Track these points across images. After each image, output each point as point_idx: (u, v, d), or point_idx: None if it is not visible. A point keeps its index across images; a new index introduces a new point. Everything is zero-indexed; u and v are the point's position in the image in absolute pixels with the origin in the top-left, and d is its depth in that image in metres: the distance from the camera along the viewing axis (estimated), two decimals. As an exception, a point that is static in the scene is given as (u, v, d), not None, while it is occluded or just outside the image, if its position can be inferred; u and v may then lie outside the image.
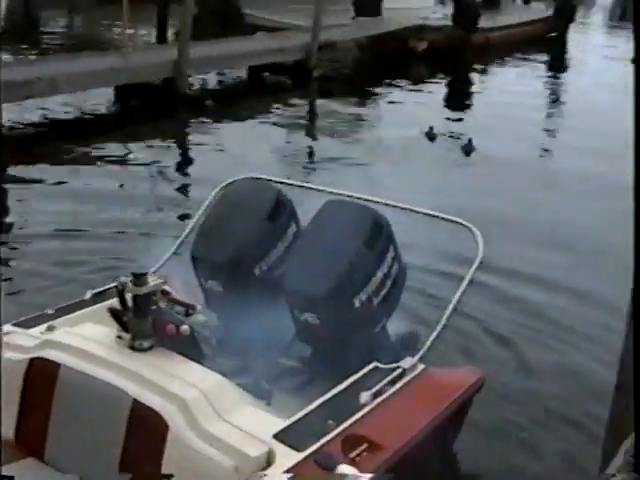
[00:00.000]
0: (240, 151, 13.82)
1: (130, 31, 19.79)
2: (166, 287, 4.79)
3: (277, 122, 16.82)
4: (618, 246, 9.50)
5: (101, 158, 13.07)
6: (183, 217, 10.41)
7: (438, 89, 21.60)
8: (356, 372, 4.94)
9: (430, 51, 24.28)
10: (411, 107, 18.93)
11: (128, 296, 4.61)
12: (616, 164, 13.32)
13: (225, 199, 5.96)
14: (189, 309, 4.88)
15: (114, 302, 4.83)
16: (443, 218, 5.75)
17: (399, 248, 5.45)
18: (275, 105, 18.06)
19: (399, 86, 20.86)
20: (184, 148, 14.47)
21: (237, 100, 18.18)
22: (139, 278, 4.55)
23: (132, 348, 4.63)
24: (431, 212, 5.85)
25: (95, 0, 28.43)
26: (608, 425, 5.22)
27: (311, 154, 14.67)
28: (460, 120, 18.29)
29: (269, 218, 5.72)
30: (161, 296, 4.69)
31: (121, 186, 11.91)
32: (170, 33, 24.50)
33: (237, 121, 16.34)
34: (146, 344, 4.62)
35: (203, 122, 15.97)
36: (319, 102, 19.16)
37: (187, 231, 6.18)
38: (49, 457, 4.64)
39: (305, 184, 6.48)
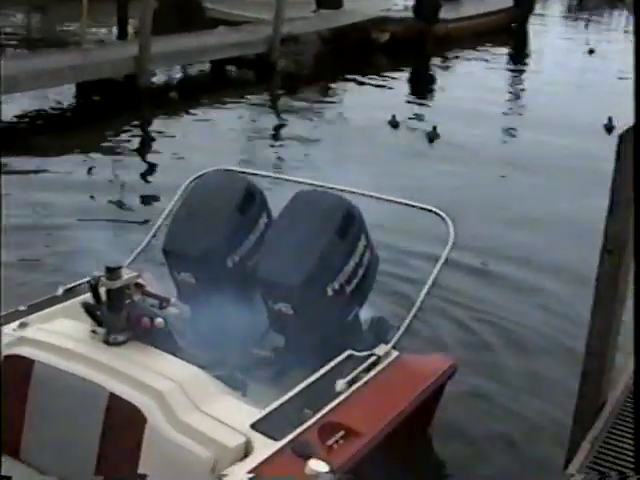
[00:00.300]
0: (204, 144, 13.81)
1: (90, 28, 19.65)
2: (140, 280, 4.78)
3: (240, 115, 16.78)
4: (575, 217, 10.40)
5: (63, 154, 12.95)
6: (149, 210, 10.46)
7: (400, 80, 21.65)
8: (330, 360, 4.97)
9: (392, 43, 24.34)
10: (374, 98, 19.01)
11: (102, 290, 4.60)
12: (571, 146, 14.61)
13: (196, 191, 5.95)
14: (163, 302, 4.90)
15: (87, 297, 4.84)
16: (414, 206, 5.82)
17: (371, 237, 5.50)
18: (238, 99, 18.00)
19: (362, 78, 20.87)
20: (147, 143, 14.38)
21: (200, 94, 18.09)
22: (113, 272, 4.55)
23: (107, 342, 4.63)
24: (402, 200, 5.89)
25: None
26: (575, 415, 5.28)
27: (275, 146, 14.65)
28: (422, 109, 18.44)
29: (240, 209, 5.73)
30: (135, 289, 4.70)
31: (87, 181, 11.81)
32: (131, 29, 24.35)
33: (200, 115, 16.27)
34: (121, 338, 4.62)
35: (166, 117, 15.89)
36: (282, 95, 19.12)
37: (158, 224, 6.18)
38: (25, 455, 4.62)
39: (275, 175, 6.52)
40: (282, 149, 14.42)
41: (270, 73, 20.42)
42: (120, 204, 11.00)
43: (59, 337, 4.76)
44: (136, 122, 15.25)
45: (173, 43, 18.83)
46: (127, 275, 4.63)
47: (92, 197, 11.12)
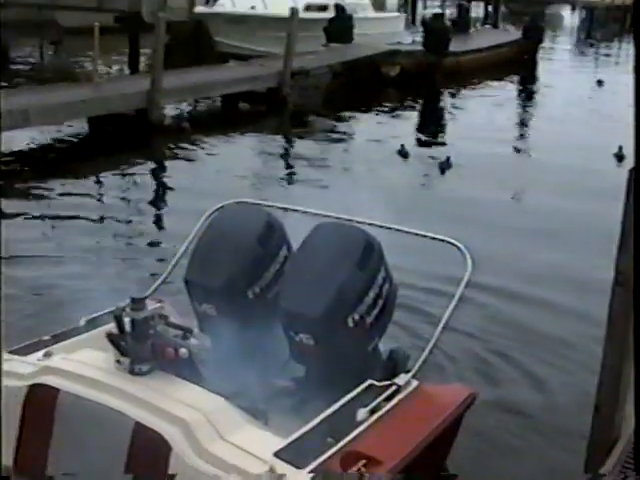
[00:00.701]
0: (216, 178, 13.87)
1: (102, 62, 19.79)
2: (163, 311, 4.85)
3: (252, 149, 16.87)
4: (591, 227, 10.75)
5: (76, 188, 13.01)
6: (161, 243, 10.55)
7: (411, 113, 21.78)
8: (351, 391, 5.00)
9: (402, 76, 24.47)
10: (385, 131, 19.04)
11: (126, 321, 4.66)
12: (584, 174, 14.82)
13: (216, 223, 6.00)
14: (186, 332, 4.91)
15: (111, 327, 4.87)
16: (432, 237, 5.85)
17: (389, 268, 5.54)
18: (250, 132, 18.12)
19: (372, 111, 20.98)
20: (159, 178, 14.39)
21: (212, 128, 18.19)
22: (138, 303, 4.63)
23: (131, 372, 4.69)
24: (420, 232, 5.92)
25: (65, 31, 28.44)
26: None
27: (288, 179, 14.68)
28: (432, 140, 18.61)
29: (260, 241, 5.77)
30: (159, 320, 4.75)
31: (100, 216, 11.84)
32: (142, 63, 24.54)
33: (212, 149, 16.34)
34: (145, 368, 4.68)
35: (178, 151, 15.92)
36: (293, 128, 19.21)
37: (178, 256, 6.22)
38: None
39: (294, 207, 6.44)
40: (294, 181, 14.46)
41: (281, 107, 20.50)
42: (132, 237, 11.02)
43: (84, 367, 4.82)
44: (147, 156, 15.30)
45: (184, 77, 18.96)
46: (151, 306, 4.72)
47: (103, 227, 11.20)
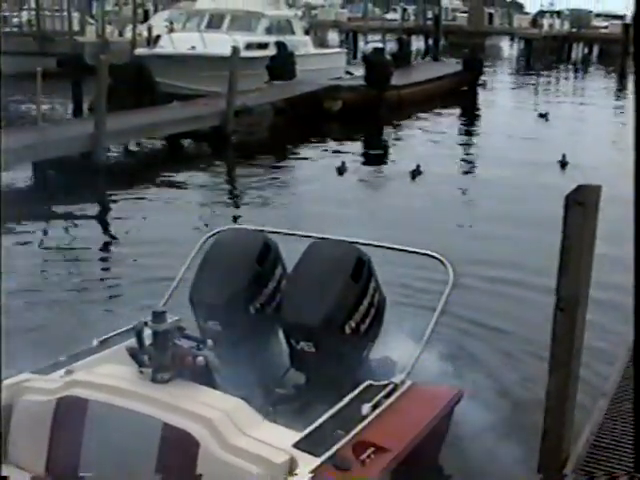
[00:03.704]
0: (161, 218, 13.88)
1: (45, 106, 19.75)
2: (181, 324, 5.16)
3: (197, 187, 16.92)
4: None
5: (19, 236, 12.92)
6: (109, 283, 10.58)
7: (354, 146, 22.01)
8: (348, 394, 5.45)
9: (345, 110, 24.70)
10: (328, 162, 19.26)
11: (146, 334, 5.02)
12: (520, 191, 16.21)
13: (216, 246, 6.50)
14: (200, 344, 5.22)
15: (130, 342, 5.27)
16: (415, 252, 6.43)
17: (379, 280, 6.11)
18: (195, 171, 18.21)
19: (316, 146, 21.19)
20: (103, 219, 14.41)
21: (156, 169, 18.21)
22: (159, 316, 4.97)
23: (154, 380, 5.02)
24: (404, 247, 6.50)
25: (7, 75, 28.29)
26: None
27: (234, 215, 14.73)
28: (376, 169, 19.36)
29: (259, 261, 6.29)
30: (177, 332, 5.08)
31: (44, 262, 11.80)
32: (86, 106, 24.50)
33: (157, 189, 16.34)
34: (166, 376, 5.02)
35: (123, 194, 15.90)
36: (238, 166, 19.32)
37: (176, 281, 6.71)
38: None
39: (285, 230, 7.00)
40: (240, 217, 14.51)
41: (225, 145, 20.64)
42: (78, 277, 10.98)
43: (108, 378, 5.14)
44: (92, 199, 15.27)
45: (128, 119, 19.01)
46: (171, 319, 5.04)
47: (44, 272, 11.17)
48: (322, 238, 6.46)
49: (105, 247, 12.80)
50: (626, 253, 10.74)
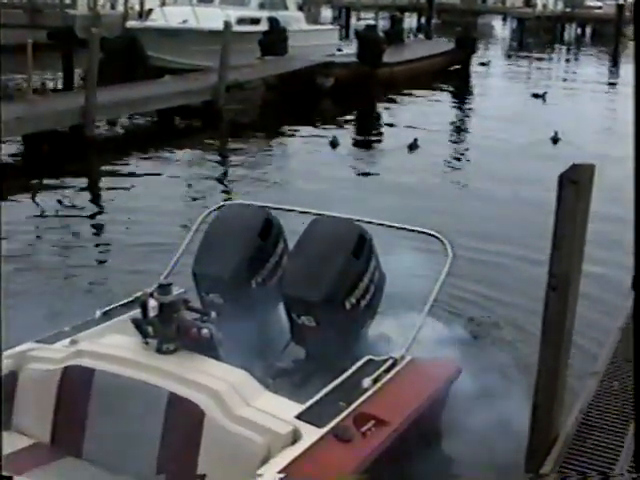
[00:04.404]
0: (151, 193, 13.83)
1: (36, 79, 19.63)
2: (186, 296, 5.31)
3: (188, 163, 16.85)
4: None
5: (11, 209, 12.86)
6: (99, 259, 10.57)
7: (346, 122, 21.95)
8: (348, 368, 5.53)
9: (337, 87, 24.63)
10: (321, 138, 19.25)
11: (152, 305, 5.05)
12: (508, 165, 16.70)
13: (219, 220, 6.61)
14: (204, 316, 5.31)
15: (135, 313, 5.38)
16: (415, 230, 6.59)
17: (379, 257, 6.22)
18: (186, 147, 18.13)
19: (307, 123, 21.08)
20: (95, 194, 14.33)
21: (147, 144, 18.12)
22: (165, 288, 5.07)
23: (159, 351, 5.10)
24: (403, 225, 6.64)
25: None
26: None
27: (224, 191, 14.70)
28: (369, 144, 19.36)
29: (261, 236, 6.42)
30: (182, 304, 5.17)
31: (36, 234, 11.76)
32: (77, 79, 24.37)
33: (148, 164, 16.27)
34: (171, 347, 5.10)
35: (114, 168, 15.82)
36: (229, 141, 19.26)
37: (179, 253, 6.75)
38: (88, 455, 5.03)
39: (286, 207, 7.10)
40: (232, 192, 14.47)
41: (216, 120, 20.56)
42: (67, 254, 10.91)
43: (114, 348, 5.23)
44: (83, 173, 15.20)
45: (119, 93, 18.90)
46: (177, 291, 5.14)
47: (34, 246, 11.09)
48: (324, 215, 6.54)
49: (95, 219, 12.74)
50: (613, 229, 10.94)
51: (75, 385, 5.10)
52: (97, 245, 11.42)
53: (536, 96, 26.34)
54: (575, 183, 4.80)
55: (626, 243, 10.01)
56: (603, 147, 17.99)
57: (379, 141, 20.38)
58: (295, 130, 20.48)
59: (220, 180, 15.76)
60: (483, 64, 34.22)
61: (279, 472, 4.40)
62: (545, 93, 26.48)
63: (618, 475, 4.95)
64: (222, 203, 7.33)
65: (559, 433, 5.41)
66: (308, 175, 15.67)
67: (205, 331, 5.06)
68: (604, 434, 5.51)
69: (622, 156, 17.04)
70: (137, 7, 34.74)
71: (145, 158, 16.76)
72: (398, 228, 6.65)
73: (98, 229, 12.28)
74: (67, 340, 5.61)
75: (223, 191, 14.69)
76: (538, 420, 5.26)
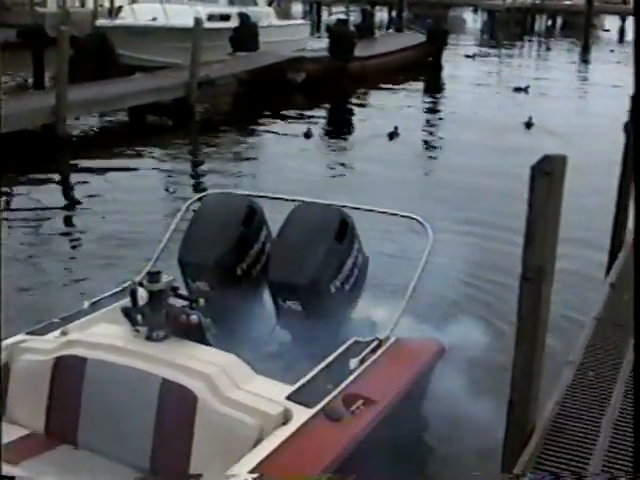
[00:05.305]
0: (123, 192, 13.76)
1: (5, 78, 19.48)
2: (174, 284, 5.34)
3: (160, 162, 16.79)
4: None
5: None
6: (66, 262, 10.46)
7: (318, 117, 21.91)
8: (334, 351, 5.65)
9: (308, 82, 24.61)
10: (294, 133, 19.27)
11: (141, 294, 5.15)
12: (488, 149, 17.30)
13: (203, 209, 6.74)
14: (192, 303, 5.40)
15: (124, 302, 5.44)
16: (395, 214, 6.76)
17: (361, 241, 6.38)
18: (158, 144, 18.07)
19: (280, 118, 21.08)
20: (67, 193, 14.27)
21: (119, 142, 18.04)
22: (154, 276, 5.15)
23: (149, 339, 5.20)
24: (384, 209, 6.80)
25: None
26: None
27: (200, 185, 14.66)
28: (338, 140, 19.34)
29: (245, 223, 6.58)
30: (170, 292, 5.24)
31: (8, 232, 11.66)
32: (47, 78, 24.21)
33: (120, 163, 16.17)
34: (161, 334, 5.20)
35: (87, 166, 15.72)
36: (201, 138, 19.20)
37: (163, 242, 6.84)
38: (83, 442, 5.10)
39: (268, 194, 7.24)
40: (208, 186, 14.41)
41: (188, 117, 20.50)
42: (38, 253, 10.85)
43: (105, 337, 5.32)
44: (55, 171, 15.12)
45: (90, 91, 18.80)
46: (166, 279, 5.20)
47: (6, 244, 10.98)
48: (305, 202, 6.65)
49: (69, 218, 12.72)
50: (585, 218, 11.02)
51: (68, 374, 5.18)
52: (72, 239, 11.48)
53: (518, 90, 26.31)
54: (548, 174, 4.79)
55: (598, 231, 10.22)
56: (574, 131, 19.10)
57: (354, 132, 20.57)
58: (268, 125, 20.49)
59: (195, 174, 15.82)
60: (469, 56, 34.41)
61: (272, 452, 4.53)
62: (528, 87, 26.47)
63: (592, 475, 4.96)
64: (205, 192, 7.47)
65: (535, 424, 5.42)
66: (283, 166, 15.70)
67: (194, 317, 5.18)
68: (581, 424, 5.53)
69: (592, 140, 17.59)
70: (107, 4, 34.57)
71: (118, 155, 16.69)
72: (380, 212, 6.81)
73: (72, 224, 12.32)
74: (58, 331, 5.67)
75: (199, 184, 14.71)
76: (514, 412, 5.26)
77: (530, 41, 51.30)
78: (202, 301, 5.43)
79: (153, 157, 16.98)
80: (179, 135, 19.28)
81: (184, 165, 16.48)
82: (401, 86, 27.13)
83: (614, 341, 6.77)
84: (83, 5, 36.35)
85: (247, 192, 7.29)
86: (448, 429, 6.44)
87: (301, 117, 21.21)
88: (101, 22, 28.09)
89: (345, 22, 30.18)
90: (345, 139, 19.67)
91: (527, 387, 5.20)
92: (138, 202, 12.81)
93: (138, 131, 19.64)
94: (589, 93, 28.17)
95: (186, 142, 18.68)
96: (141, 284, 5.19)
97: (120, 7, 30.01)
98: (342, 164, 16.69)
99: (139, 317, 5.21)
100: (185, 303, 5.41)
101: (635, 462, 4.64)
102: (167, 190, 14.18)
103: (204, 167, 16.46)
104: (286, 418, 4.84)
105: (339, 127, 20.87)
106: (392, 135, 18.45)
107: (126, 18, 27.00)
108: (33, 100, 18.62)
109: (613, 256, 9.07)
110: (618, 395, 5.86)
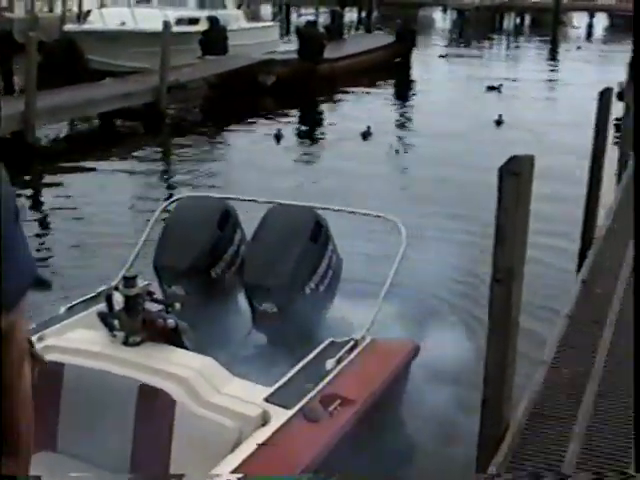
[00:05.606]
0: (95, 199, 13.71)
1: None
2: (150, 288, 5.30)
3: (132, 166, 16.71)
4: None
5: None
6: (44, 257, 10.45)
7: (289, 119, 21.90)
8: (310, 352, 5.67)
9: (279, 84, 24.61)
10: (266, 134, 19.30)
11: (117, 298, 5.19)
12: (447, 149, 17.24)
13: (178, 213, 6.77)
14: (168, 307, 5.38)
15: (100, 307, 5.46)
16: (369, 214, 6.79)
17: (335, 242, 6.43)
18: (129, 150, 17.99)
19: (250, 120, 21.08)
20: (37, 200, 14.19)
21: (90, 148, 17.98)
22: (130, 280, 5.14)
23: (126, 344, 5.20)
24: (358, 210, 6.87)
25: None
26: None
27: (172, 188, 14.62)
28: (310, 141, 19.53)
29: (219, 226, 6.61)
30: (147, 296, 5.23)
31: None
32: (16, 84, 24.08)
33: (91, 169, 16.10)
34: (138, 339, 5.21)
35: (57, 173, 15.65)
36: (172, 143, 19.16)
37: (138, 247, 6.77)
38: (62, 448, 5.09)
39: (242, 197, 7.28)
40: (180, 191, 14.37)
41: (159, 122, 20.42)
42: None
43: (82, 342, 5.35)
44: (25, 179, 15.02)
45: (59, 97, 18.70)
46: (142, 283, 5.19)
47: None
48: (279, 204, 6.68)
49: (39, 224, 12.60)
50: (555, 215, 11.08)
51: (45, 380, 5.09)
52: (43, 246, 11.29)
53: (491, 88, 26.38)
54: (516, 175, 4.81)
55: (568, 230, 10.29)
56: (543, 126, 19.40)
57: (326, 133, 20.58)
58: (239, 127, 20.49)
59: (167, 178, 15.79)
60: (442, 56, 34.77)
61: (251, 454, 4.54)
62: (500, 85, 26.53)
63: (573, 474, 4.98)
64: (179, 196, 7.47)
65: (509, 424, 5.44)
66: (255, 168, 15.69)
67: (171, 321, 5.18)
68: (554, 422, 5.54)
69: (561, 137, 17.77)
70: (75, 9, 34.38)
71: (89, 161, 16.58)
72: (354, 213, 6.85)
73: (43, 231, 12.21)
74: (34, 337, 5.56)
75: (171, 187, 14.67)
76: (488, 412, 5.28)
77: (500, 39, 51.51)
78: (178, 305, 5.43)
79: (125, 162, 16.92)
80: (150, 139, 19.22)
81: (156, 169, 16.42)
82: (371, 87, 27.19)
83: (587, 338, 6.81)
84: (51, 10, 36.15)
85: (221, 195, 7.33)
86: (425, 428, 6.44)
87: (272, 119, 21.18)
88: (69, 27, 27.94)
89: (314, 24, 30.20)
90: (317, 141, 19.68)
91: (500, 387, 5.23)
92: (111, 207, 12.79)
93: (109, 136, 19.58)
94: (558, 91, 28.33)
95: (157, 146, 18.63)
96: (117, 289, 5.21)
97: (88, 12, 29.87)
98: (315, 165, 16.78)
99: (115, 322, 5.22)
100: (161, 307, 5.41)
101: (636, 462, 4.68)
102: (140, 194, 14.12)
103: (176, 171, 16.44)
104: (265, 420, 4.87)
105: (310, 129, 20.83)
106: (365, 135, 18.54)
107: (94, 23, 26.85)
108: (2, 106, 18.47)
109: (583, 253, 9.13)
110: (591, 393, 5.88)
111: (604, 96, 9.33)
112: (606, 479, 4.88)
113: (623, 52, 29.83)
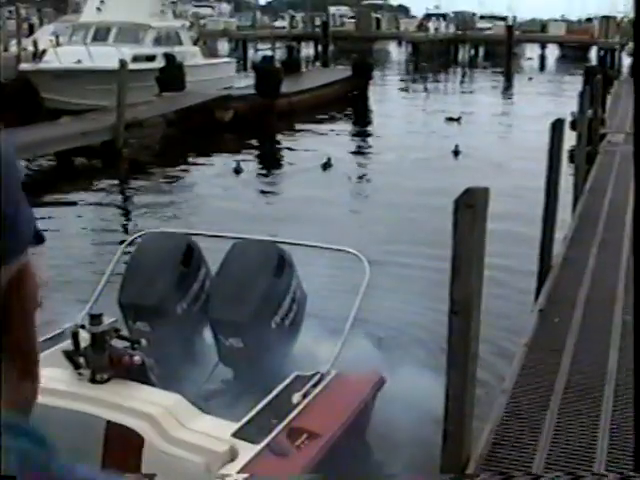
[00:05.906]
0: (57, 238, 13.62)
1: None
2: (116, 325, 5.35)
3: (91, 204, 16.63)
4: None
5: None
6: None
7: (248, 155, 21.95)
8: (277, 385, 5.68)
9: (236, 120, 24.67)
10: (224, 170, 19.38)
11: (83, 336, 5.10)
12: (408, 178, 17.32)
13: (141, 249, 6.76)
14: (134, 344, 5.42)
15: (65, 345, 5.43)
16: (331, 248, 6.84)
17: (299, 276, 6.43)
18: (86, 189, 17.90)
19: (209, 156, 21.11)
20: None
21: (47, 188, 17.84)
22: (96, 318, 5.13)
23: (92, 381, 5.21)
24: (321, 244, 6.96)
25: None
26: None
27: (129, 230, 14.55)
28: (270, 175, 19.67)
29: (184, 263, 6.59)
30: (113, 333, 5.22)
31: None
32: (-30, 125, 23.94)
33: (49, 209, 15.98)
34: (105, 376, 5.20)
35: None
36: (130, 180, 19.08)
37: (102, 284, 6.75)
38: None
39: (206, 232, 7.34)
40: (138, 230, 14.34)
41: (117, 160, 20.36)
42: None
43: (47, 381, 5.12)
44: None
45: (15, 137, 18.55)
46: (108, 321, 5.19)
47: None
48: (243, 238, 6.74)
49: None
50: (510, 245, 11.17)
51: None
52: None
53: (451, 120, 26.63)
54: (471, 207, 4.84)
55: (524, 258, 10.38)
56: (499, 156, 19.97)
57: (285, 166, 20.89)
58: (198, 163, 20.58)
59: (127, 215, 15.78)
60: (402, 89, 35.93)
61: None
62: (460, 117, 26.79)
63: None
64: (142, 232, 7.47)
65: (471, 454, 5.45)
66: (215, 202, 15.86)
67: (137, 358, 5.17)
68: (516, 452, 5.56)
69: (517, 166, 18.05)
70: (31, 48, 34.25)
71: (46, 201, 16.42)
72: (317, 247, 6.95)
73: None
74: None
75: (131, 224, 14.62)
76: (449, 443, 5.29)
77: (455, 71, 52.03)
78: (144, 342, 5.44)
79: (83, 200, 16.82)
80: (108, 177, 19.11)
81: (115, 207, 16.37)
82: (329, 120, 27.36)
83: (545, 366, 6.85)
84: (6, 49, 36.03)
85: (184, 230, 7.34)
86: (390, 459, 6.51)
87: (231, 155, 21.18)
88: (25, 66, 27.80)
89: (271, 59, 30.43)
90: (276, 174, 19.81)
91: (460, 418, 5.24)
92: (71, 247, 12.70)
93: (66, 175, 19.50)
94: (511, 122, 28.73)
95: (116, 184, 18.55)
96: (83, 326, 5.19)
97: (44, 51, 29.78)
98: (276, 196, 16.82)
99: (81, 360, 5.20)
100: (127, 344, 5.41)
101: (636, 462, 4.70)
102: (100, 230, 14.08)
103: (136, 206, 16.40)
104: (232, 455, 4.86)
105: (270, 162, 21.00)
106: (325, 166, 18.74)
107: (50, 61, 26.76)
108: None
109: (541, 282, 9.19)
110: (551, 421, 5.92)
111: (556, 127, 9.44)
112: (606, 479, 4.93)
113: (573, 83, 30.33)
